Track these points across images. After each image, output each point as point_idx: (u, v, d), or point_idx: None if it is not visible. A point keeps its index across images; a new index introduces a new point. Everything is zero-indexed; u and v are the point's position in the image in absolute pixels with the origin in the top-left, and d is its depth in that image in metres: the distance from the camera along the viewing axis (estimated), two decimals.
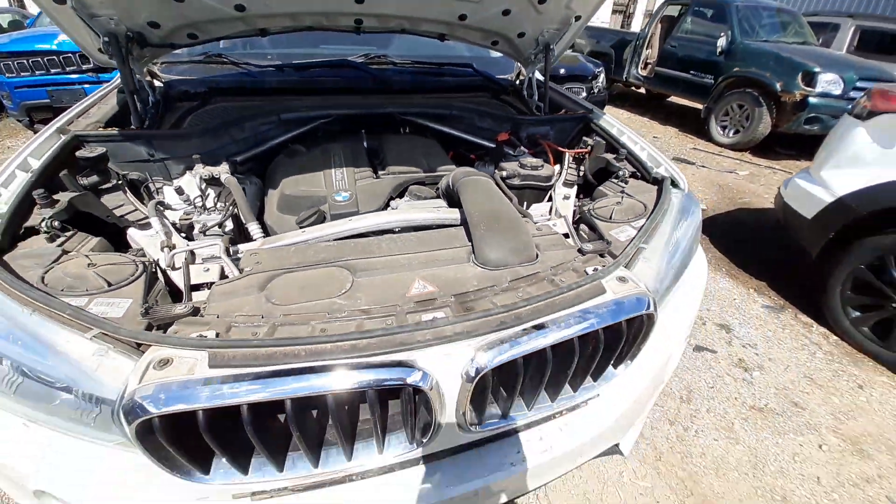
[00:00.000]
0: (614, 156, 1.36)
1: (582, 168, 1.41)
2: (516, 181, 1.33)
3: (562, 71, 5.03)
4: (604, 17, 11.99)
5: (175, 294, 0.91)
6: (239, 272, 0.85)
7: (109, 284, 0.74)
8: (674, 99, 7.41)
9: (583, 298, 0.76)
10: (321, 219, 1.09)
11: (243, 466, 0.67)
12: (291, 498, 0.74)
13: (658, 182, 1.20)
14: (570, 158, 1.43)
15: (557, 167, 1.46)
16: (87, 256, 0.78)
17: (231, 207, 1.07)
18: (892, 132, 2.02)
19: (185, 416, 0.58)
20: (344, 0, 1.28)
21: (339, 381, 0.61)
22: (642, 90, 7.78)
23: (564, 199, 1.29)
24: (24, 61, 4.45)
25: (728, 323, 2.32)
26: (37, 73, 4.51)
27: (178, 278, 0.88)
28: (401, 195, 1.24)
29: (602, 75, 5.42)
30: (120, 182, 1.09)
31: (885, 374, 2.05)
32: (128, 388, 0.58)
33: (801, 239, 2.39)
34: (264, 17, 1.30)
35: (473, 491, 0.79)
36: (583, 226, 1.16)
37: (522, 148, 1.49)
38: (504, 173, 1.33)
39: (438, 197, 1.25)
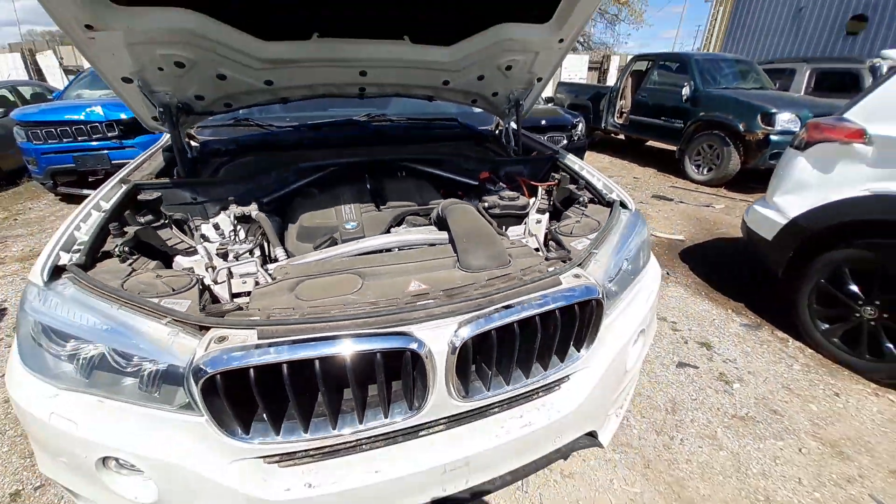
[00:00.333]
0: (576, 186, 1.62)
1: (551, 197, 1.66)
2: (497, 210, 1.56)
3: (543, 122, 5.53)
4: (582, 74, 13.12)
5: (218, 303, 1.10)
6: (272, 280, 1.06)
7: (173, 290, 0.94)
8: (652, 143, 7.98)
9: (543, 288, 0.96)
10: (334, 244, 1.31)
11: (276, 428, 0.83)
12: (311, 466, 0.89)
13: (610, 204, 1.44)
14: (542, 191, 1.68)
15: (532, 199, 1.71)
16: (154, 271, 0.99)
17: (260, 237, 1.30)
18: (826, 159, 2.32)
19: (237, 383, 0.76)
20: (350, 73, 1.60)
21: (355, 346, 0.80)
22: (621, 136, 8.40)
23: (537, 223, 1.52)
24: (52, 130, 4.86)
25: (709, 341, 2.46)
26: (64, 140, 4.92)
27: (219, 291, 1.08)
28: (399, 224, 1.48)
29: (581, 125, 5.94)
30: (167, 220, 1.33)
31: (860, 382, 2.17)
32: (196, 356, 0.76)
33: (766, 259, 2.60)
34: (287, 89, 1.61)
35: (464, 458, 0.94)
36: (551, 242, 1.38)
37: (501, 184, 1.76)
38: (486, 204, 1.57)
39: (430, 224, 1.48)
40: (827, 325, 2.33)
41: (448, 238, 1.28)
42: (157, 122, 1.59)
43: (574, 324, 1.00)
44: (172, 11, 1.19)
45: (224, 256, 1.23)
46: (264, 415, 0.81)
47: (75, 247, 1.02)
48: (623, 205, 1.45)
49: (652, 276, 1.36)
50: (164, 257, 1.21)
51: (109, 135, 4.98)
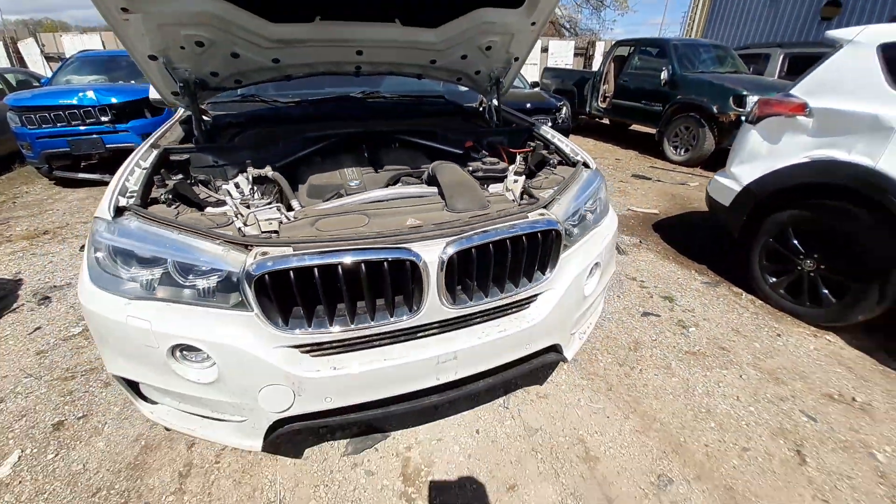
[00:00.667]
0: (547, 151, 1.87)
1: (527, 162, 1.90)
2: (480, 174, 1.81)
3: (528, 105, 5.76)
4: (568, 60, 13.31)
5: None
6: (295, 219, 1.30)
7: (217, 225, 1.17)
8: (635, 127, 8.26)
9: (512, 220, 1.21)
10: (339, 198, 1.54)
11: (308, 321, 1.08)
12: (334, 356, 1.14)
13: (574, 164, 1.70)
14: (519, 157, 1.93)
15: (510, 165, 1.96)
16: (196, 213, 1.22)
17: (276, 193, 1.53)
18: (773, 131, 2.60)
19: (279, 285, 1.00)
20: (348, 52, 1.81)
21: (368, 256, 1.05)
22: (606, 121, 8.66)
23: (514, 181, 1.76)
24: (46, 114, 4.90)
25: (672, 295, 2.76)
26: (58, 125, 4.96)
27: (249, 231, 1.31)
28: (395, 183, 1.71)
29: (565, 108, 6.18)
30: (194, 180, 1.54)
31: (801, 325, 2.49)
32: (247, 264, 1.00)
33: (725, 224, 2.90)
34: (291, 67, 1.81)
35: (453, 353, 1.20)
36: (525, 195, 1.64)
37: (484, 151, 2.00)
38: (470, 168, 1.81)
39: (422, 183, 1.72)
40: (774, 279, 2.65)
41: (438, 191, 1.51)
42: (175, 97, 1.79)
43: (538, 251, 1.26)
44: None
45: (248, 208, 1.45)
46: (300, 310, 1.05)
47: (128, 193, 1.23)
48: (586, 164, 1.70)
49: (608, 224, 1.63)
50: (197, 209, 1.43)
51: (103, 119, 5.03)
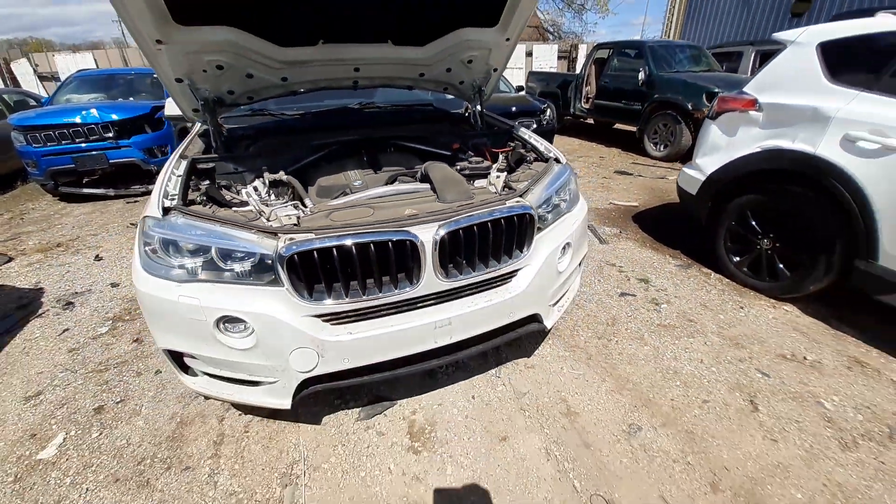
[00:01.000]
0: (525, 150, 2.13)
1: (508, 159, 2.17)
2: (466, 171, 2.06)
3: (514, 109, 6.04)
4: (552, 63, 13.69)
5: None
6: (312, 213, 1.54)
7: (248, 219, 1.41)
8: (619, 126, 8.60)
9: (493, 206, 1.47)
10: (345, 196, 1.79)
11: (327, 293, 1.32)
12: (349, 324, 1.38)
13: (547, 160, 1.96)
14: (501, 156, 2.19)
15: (493, 163, 2.22)
16: (231, 209, 1.46)
17: (290, 194, 1.77)
18: (730, 126, 2.89)
19: (305, 264, 1.24)
20: (347, 69, 2.06)
21: (376, 238, 1.29)
22: (590, 121, 9.00)
23: (496, 177, 2.02)
24: (51, 133, 5.09)
25: (647, 277, 3.03)
26: (62, 142, 5.15)
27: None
28: (392, 182, 1.96)
29: (549, 110, 6.47)
30: (218, 185, 1.78)
31: (762, 299, 2.76)
32: (278, 247, 1.24)
33: (693, 211, 3.18)
34: (298, 83, 2.07)
35: (448, 319, 1.45)
36: (506, 188, 1.89)
37: (470, 152, 2.26)
38: (458, 167, 2.06)
39: (416, 181, 1.97)
40: (738, 258, 2.92)
41: (430, 187, 1.77)
42: (195, 114, 2.03)
43: (515, 232, 1.51)
44: (219, 29, 1.63)
45: (267, 207, 1.69)
46: (322, 286, 1.30)
47: (170, 196, 1.47)
48: (557, 160, 1.97)
49: (577, 212, 1.89)
50: (226, 208, 1.66)
51: (106, 135, 5.23)
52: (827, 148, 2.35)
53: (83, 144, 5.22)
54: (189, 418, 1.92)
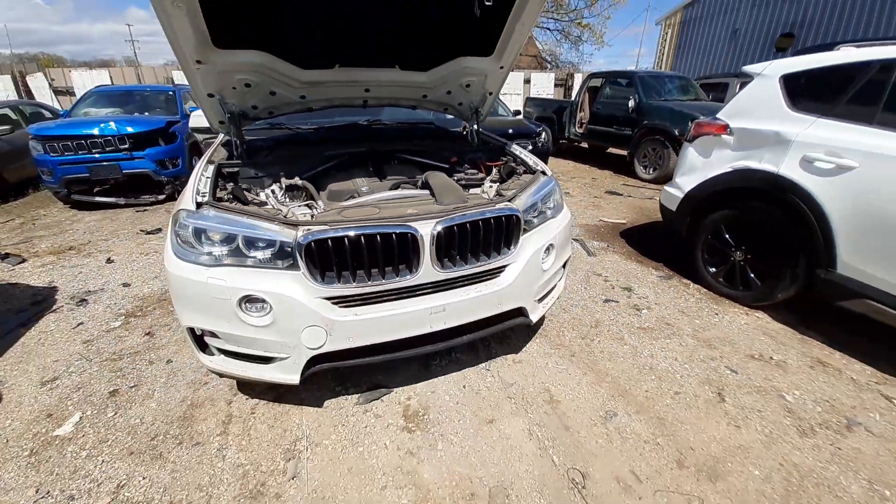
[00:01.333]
0: (516, 163, 2.38)
1: (500, 172, 2.41)
2: (462, 182, 2.29)
3: (510, 131, 6.37)
4: (549, 90, 14.31)
5: None
6: (325, 211, 1.75)
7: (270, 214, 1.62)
8: (612, 150, 8.98)
9: (483, 208, 1.69)
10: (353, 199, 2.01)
11: (338, 278, 1.52)
12: (355, 308, 1.57)
13: (535, 172, 2.21)
14: (494, 169, 2.43)
15: (487, 175, 2.46)
16: (256, 205, 1.68)
17: (304, 197, 1.99)
18: (705, 148, 3.17)
19: (319, 251, 1.44)
20: (358, 90, 2.33)
21: (382, 230, 1.49)
22: (584, 145, 9.39)
23: (490, 187, 2.26)
24: (69, 143, 5.35)
25: (631, 287, 3.23)
26: (79, 152, 5.40)
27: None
28: (396, 188, 2.18)
29: (545, 133, 6.82)
30: (241, 187, 2.00)
31: (736, 306, 2.95)
32: (297, 236, 1.45)
33: (674, 226, 3.42)
34: (314, 101, 2.33)
35: (443, 306, 1.64)
36: (497, 196, 2.12)
37: (466, 165, 2.50)
38: (455, 178, 2.30)
39: (417, 188, 2.20)
40: (714, 269, 3.14)
41: (430, 192, 1.99)
42: (221, 126, 2.27)
43: (503, 231, 1.73)
44: (251, 52, 1.89)
45: (284, 206, 1.91)
46: (333, 274, 1.50)
47: (202, 193, 1.68)
48: (543, 172, 2.21)
49: (560, 219, 2.12)
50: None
51: (121, 147, 5.49)
52: (788, 168, 2.60)
53: (98, 155, 5.46)
54: (199, 401, 2.07)
